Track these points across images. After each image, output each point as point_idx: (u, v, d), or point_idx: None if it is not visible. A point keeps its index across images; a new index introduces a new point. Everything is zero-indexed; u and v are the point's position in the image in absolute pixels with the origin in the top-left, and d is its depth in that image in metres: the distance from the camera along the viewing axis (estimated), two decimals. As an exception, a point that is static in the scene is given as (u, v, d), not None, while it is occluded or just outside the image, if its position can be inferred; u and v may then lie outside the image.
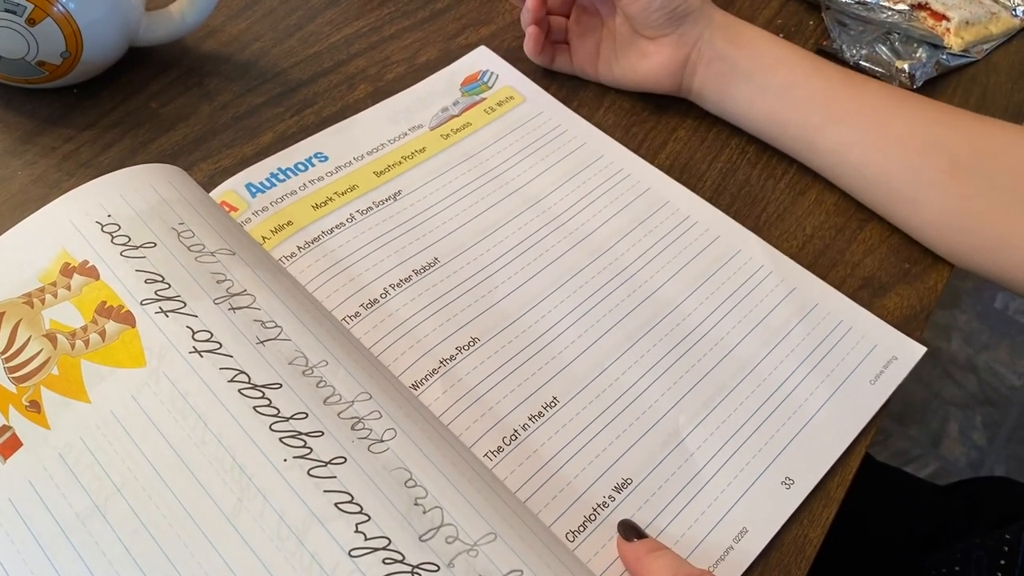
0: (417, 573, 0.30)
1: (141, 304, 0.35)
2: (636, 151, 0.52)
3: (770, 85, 0.50)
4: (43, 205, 0.45)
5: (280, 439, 0.32)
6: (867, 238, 0.50)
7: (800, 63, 0.50)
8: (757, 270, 0.47)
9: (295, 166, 0.47)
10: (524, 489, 0.37)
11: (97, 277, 0.36)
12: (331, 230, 0.45)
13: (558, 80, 0.55)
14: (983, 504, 0.62)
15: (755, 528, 0.38)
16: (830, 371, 0.43)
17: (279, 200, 0.45)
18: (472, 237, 0.46)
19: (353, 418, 0.33)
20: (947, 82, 0.60)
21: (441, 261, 0.44)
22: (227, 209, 0.44)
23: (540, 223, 0.47)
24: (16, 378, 0.35)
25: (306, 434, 0.32)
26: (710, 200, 0.50)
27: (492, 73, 0.55)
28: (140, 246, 0.37)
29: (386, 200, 0.47)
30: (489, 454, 0.38)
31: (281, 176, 0.47)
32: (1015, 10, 0.64)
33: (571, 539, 0.36)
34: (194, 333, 0.35)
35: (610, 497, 0.38)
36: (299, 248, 0.44)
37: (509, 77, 0.55)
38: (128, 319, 0.35)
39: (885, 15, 0.61)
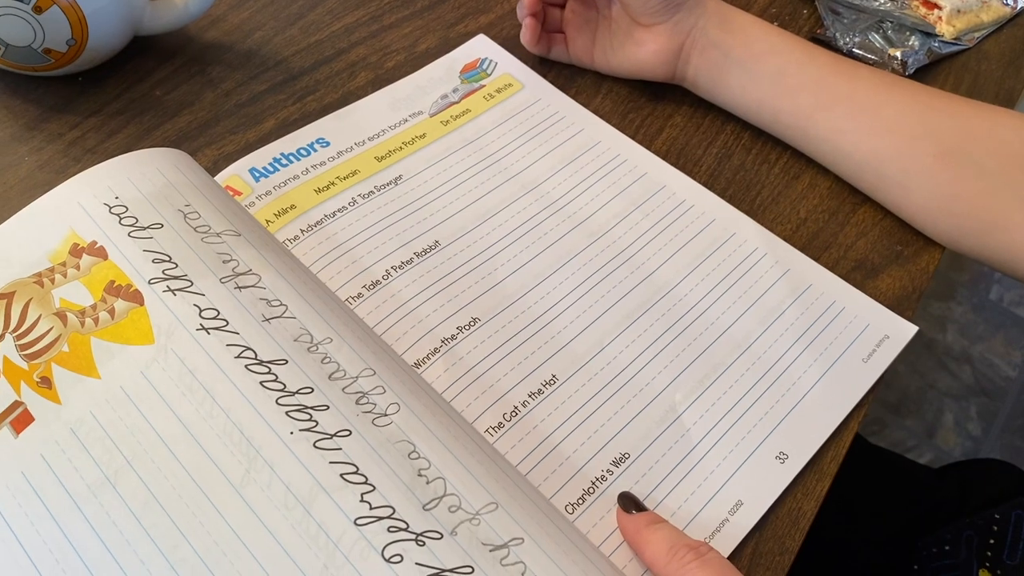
0: (421, 541, 0.31)
1: (149, 283, 0.36)
2: (633, 137, 0.52)
3: (763, 73, 0.51)
4: (50, 190, 0.46)
5: (286, 413, 0.33)
6: (860, 221, 0.51)
7: (792, 51, 0.51)
8: (752, 252, 0.48)
9: (297, 151, 0.48)
10: (524, 463, 0.38)
11: (105, 257, 0.37)
12: (333, 214, 0.45)
13: (556, 67, 0.56)
14: (974, 485, 0.63)
15: (750, 501, 0.39)
16: (823, 349, 0.44)
17: (282, 184, 0.46)
18: (472, 221, 0.47)
19: (357, 393, 0.34)
20: (939, 69, 0.60)
21: (442, 244, 0.45)
22: (231, 193, 0.45)
23: (539, 207, 0.48)
24: (28, 355, 0.35)
25: (312, 408, 0.33)
26: (706, 185, 0.50)
27: (491, 61, 0.55)
28: (147, 227, 0.38)
29: (387, 184, 0.48)
30: (490, 430, 0.39)
31: (284, 161, 0.47)
32: (1006, -1, 0.65)
33: (570, 511, 0.37)
34: (201, 311, 0.35)
35: (608, 471, 0.39)
36: (302, 231, 0.44)
37: (508, 64, 0.55)
38: (136, 297, 0.36)
39: (878, 3, 0.62)
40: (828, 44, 0.60)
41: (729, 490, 0.39)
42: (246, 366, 0.34)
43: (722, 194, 0.50)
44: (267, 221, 0.44)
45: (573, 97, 0.54)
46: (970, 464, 0.66)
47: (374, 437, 0.33)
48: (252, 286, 0.36)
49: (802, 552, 0.39)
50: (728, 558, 0.36)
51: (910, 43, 0.60)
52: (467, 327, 0.42)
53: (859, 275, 0.48)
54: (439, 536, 0.31)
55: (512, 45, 0.56)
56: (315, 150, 0.48)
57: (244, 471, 0.32)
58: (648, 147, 0.52)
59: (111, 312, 0.36)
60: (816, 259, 0.48)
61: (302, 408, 0.33)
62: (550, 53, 0.56)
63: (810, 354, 0.44)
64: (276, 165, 0.47)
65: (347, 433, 0.33)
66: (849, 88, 0.49)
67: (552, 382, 0.41)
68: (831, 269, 0.48)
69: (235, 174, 0.46)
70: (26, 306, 0.36)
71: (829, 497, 0.40)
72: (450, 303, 0.43)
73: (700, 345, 0.43)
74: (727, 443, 0.40)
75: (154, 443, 0.33)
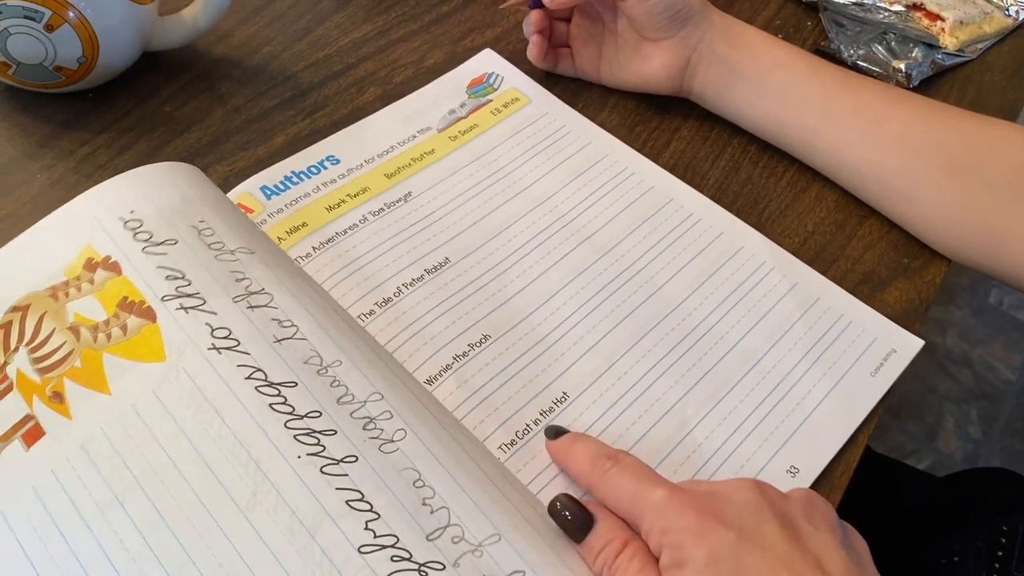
0: (423, 571, 0.31)
1: (162, 300, 0.36)
2: (640, 150, 0.53)
3: (768, 87, 0.51)
4: (66, 203, 0.46)
5: (295, 436, 0.33)
6: (867, 234, 0.51)
7: (798, 65, 0.51)
8: (760, 266, 0.48)
9: (308, 169, 0.48)
10: (536, 482, 0.38)
11: (120, 272, 0.37)
12: (345, 231, 0.46)
13: (563, 82, 0.57)
14: (980, 495, 0.63)
15: (761, 516, 0.39)
16: (832, 364, 0.44)
17: (293, 202, 0.46)
18: (481, 237, 0.47)
19: (365, 418, 0.34)
20: (943, 81, 0.61)
21: (452, 260, 0.45)
22: (243, 211, 0.45)
23: (547, 222, 0.48)
24: (40, 369, 0.36)
25: (320, 432, 0.34)
26: (713, 198, 0.51)
27: (498, 75, 0.56)
28: (162, 243, 0.38)
29: (397, 202, 0.48)
30: (503, 447, 0.39)
31: (295, 179, 0.48)
32: (1008, 10, 0.66)
33: (584, 528, 0.38)
34: (213, 330, 0.36)
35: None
36: (314, 248, 0.45)
37: (514, 79, 0.56)
38: (149, 314, 0.36)
39: (882, 16, 0.62)
40: (832, 56, 0.61)
41: (740, 505, 0.39)
42: (256, 388, 0.34)
43: (729, 207, 0.51)
44: (279, 239, 0.45)
45: (580, 111, 0.55)
46: (974, 473, 0.66)
47: (380, 464, 0.33)
48: (264, 306, 0.37)
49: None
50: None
51: (914, 55, 0.60)
52: (478, 344, 0.42)
53: (866, 288, 0.48)
54: (441, 567, 0.31)
55: (519, 59, 0.57)
56: (325, 167, 0.49)
57: (251, 494, 0.32)
58: (655, 160, 0.52)
59: (124, 328, 0.36)
60: (823, 272, 0.48)
61: (310, 432, 0.33)
62: (557, 68, 0.56)
63: (819, 368, 0.44)
64: (287, 183, 0.47)
65: (354, 459, 0.33)
66: (855, 102, 0.50)
67: (563, 400, 0.41)
68: (838, 282, 0.48)
69: (247, 191, 0.47)
70: (40, 319, 0.37)
71: (839, 509, 0.41)
72: (461, 320, 0.43)
73: (709, 360, 0.44)
74: (738, 458, 0.41)
75: (163, 462, 0.33)
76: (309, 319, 0.37)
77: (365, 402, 0.35)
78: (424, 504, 0.33)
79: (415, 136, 0.51)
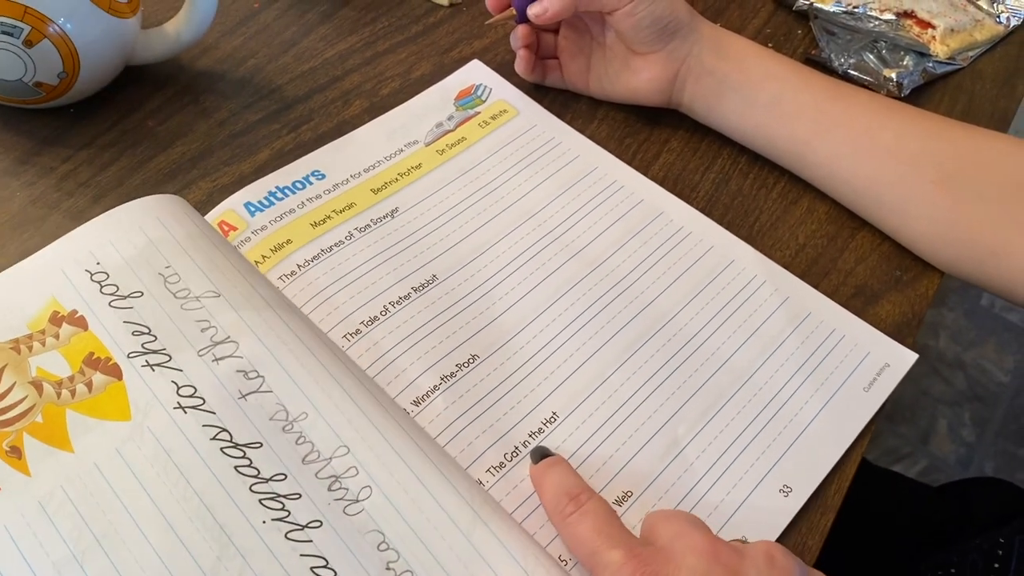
0: None
1: (128, 357, 0.36)
2: (630, 163, 0.52)
3: (758, 99, 0.51)
4: (43, 225, 0.46)
5: (260, 500, 0.33)
6: (859, 246, 0.50)
7: (789, 76, 0.50)
8: (751, 280, 0.47)
9: (293, 184, 0.48)
10: (525, 506, 0.38)
11: (86, 328, 0.37)
12: (330, 248, 0.45)
13: (551, 93, 0.56)
14: (975, 505, 0.63)
15: (754, 536, 0.38)
16: (824, 379, 0.44)
17: (278, 218, 0.46)
18: (469, 253, 0.46)
19: (330, 477, 0.34)
20: (934, 89, 0.60)
21: (440, 278, 0.45)
22: (226, 229, 0.45)
23: (536, 236, 0.48)
24: None
25: (285, 496, 0.33)
26: (703, 211, 0.50)
27: (485, 87, 0.55)
28: (128, 296, 0.38)
29: (384, 217, 0.47)
30: (491, 470, 0.38)
31: (280, 194, 0.47)
32: (999, 17, 0.65)
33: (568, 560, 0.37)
34: (179, 388, 0.35)
35: (606, 501, 0.38)
36: (299, 267, 0.44)
37: (502, 91, 0.55)
38: (115, 371, 0.36)
39: (872, 24, 0.62)
40: (823, 65, 0.60)
41: (733, 525, 0.39)
42: (221, 449, 0.34)
43: (720, 220, 0.50)
44: (263, 256, 0.44)
45: (569, 123, 0.54)
46: (970, 483, 0.66)
47: (345, 528, 0.33)
48: (230, 356, 0.36)
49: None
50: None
51: (905, 63, 0.60)
52: (466, 364, 0.42)
53: (859, 302, 0.48)
54: None
55: (507, 71, 0.56)
56: (311, 183, 0.48)
57: (216, 558, 0.32)
58: (645, 173, 0.52)
59: (88, 385, 0.35)
60: (815, 286, 0.48)
61: (275, 496, 0.33)
62: (545, 80, 0.56)
63: (811, 384, 0.44)
64: (272, 199, 0.47)
65: (319, 524, 0.33)
66: (846, 114, 0.49)
67: (553, 419, 0.40)
68: (831, 296, 0.47)
69: (230, 208, 0.46)
70: (0, 372, 0.36)
71: (832, 530, 0.40)
72: (449, 339, 0.42)
73: (701, 377, 0.43)
74: (731, 477, 0.40)
75: (125, 523, 0.32)
76: (276, 367, 0.37)
77: (331, 459, 0.35)
78: (388, 568, 0.32)
79: (402, 150, 0.51)
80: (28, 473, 0.33)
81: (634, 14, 0.49)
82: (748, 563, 0.32)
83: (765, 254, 0.49)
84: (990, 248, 0.46)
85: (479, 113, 0.54)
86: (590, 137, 0.53)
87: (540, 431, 0.40)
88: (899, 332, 0.47)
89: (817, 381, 0.44)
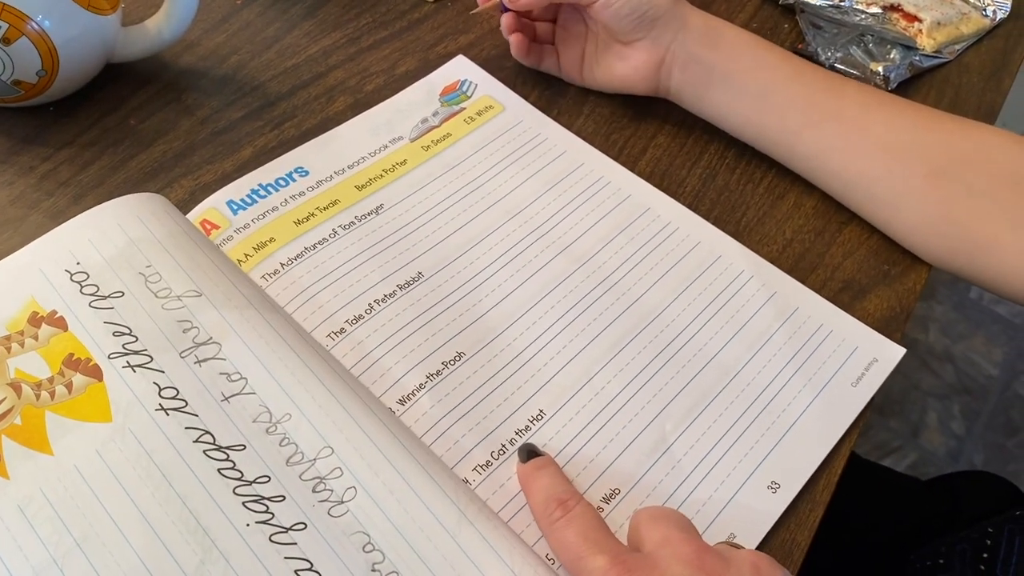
0: None
1: (109, 358, 0.36)
2: (616, 158, 0.52)
3: (748, 90, 0.50)
4: (22, 225, 0.45)
5: (243, 503, 0.33)
6: (846, 241, 0.50)
7: (780, 67, 0.50)
8: (738, 275, 0.47)
9: (276, 181, 0.47)
10: (512, 504, 0.37)
11: (65, 328, 0.36)
12: (314, 246, 0.45)
13: (537, 88, 0.56)
14: (964, 499, 0.63)
15: (742, 533, 0.38)
16: (812, 374, 0.44)
17: (261, 216, 0.45)
18: (455, 250, 0.46)
19: (315, 478, 0.34)
20: (921, 83, 0.60)
21: (425, 275, 0.44)
22: (208, 227, 0.44)
23: (522, 233, 0.47)
24: None
25: (268, 499, 0.33)
26: (690, 206, 0.50)
27: (471, 82, 0.55)
28: (108, 296, 0.37)
29: (368, 214, 0.47)
30: (478, 468, 0.38)
31: (262, 192, 0.47)
32: (985, 10, 0.65)
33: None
34: (160, 390, 0.35)
35: (599, 508, 0.38)
36: (282, 265, 0.43)
37: (488, 86, 0.55)
38: (95, 373, 0.35)
39: (859, 18, 0.61)
40: (809, 59, 0.60)
41: (721, 522, 0.39)
42: (204, 451, 0.34)
43: (707, 216, 0.50)
44: (246, 255, 0.43)
45: (555, 118, 0.54)
46: (959, 476, 0.66)
47: (329, 530, 0.33)
48: (212, 358, 0.36)
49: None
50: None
51: (891, 57, 0.60)
52: (452, 362, 0.41)
53: (846, 296, 0.48)
54: None
55: (492, 66, 0.56)
56: (294, 180, 0.48)
57: (199, 561, 0.31)
58: (631, 168, 0.51)
59: (68, 386, 0.35)
60: (803, 281, 0.48)
61: (259, 499, 0.33)
62: (541, 65, 0.56)
63: (799, 380, 0.43)
64: (254, 196, 0.46)
65: (303, 526, 0.33)
66: (837, 106, 0.49)
67: (539, 417, 0.40)
68: (818, 291, 0.47)
69: (212, 207, 0.45)
70: None
71: (821, 526, 0.40)
72: (434, 337, 0.42)
73: (688, 373, 0.43)
74: (718, 474, 0.40)
75: (106, 526, 0.32)
76: (259, 368, 0.36)
77: (315, 460, 0.34)
78: (374, 570, 0.32)
79: (387, 146, 0.50)
80: (7, 476, 0.33)
81: (610, 5, 0.49)
82: (734, 571, 0.31)
83: (752, 249, 0.48)
84: (980, 242, 0.45)
85: (464, 109, 0.53)
86: (576, 133, 0.53)
87: (527, 429, 0.40)
88: (887, 327, 0.46)
89: (805, 377, 0.43)
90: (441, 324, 0.43)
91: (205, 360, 0.36)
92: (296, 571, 0.32)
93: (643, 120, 0.55)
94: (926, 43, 0.61)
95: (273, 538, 0.32)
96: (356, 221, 0.46)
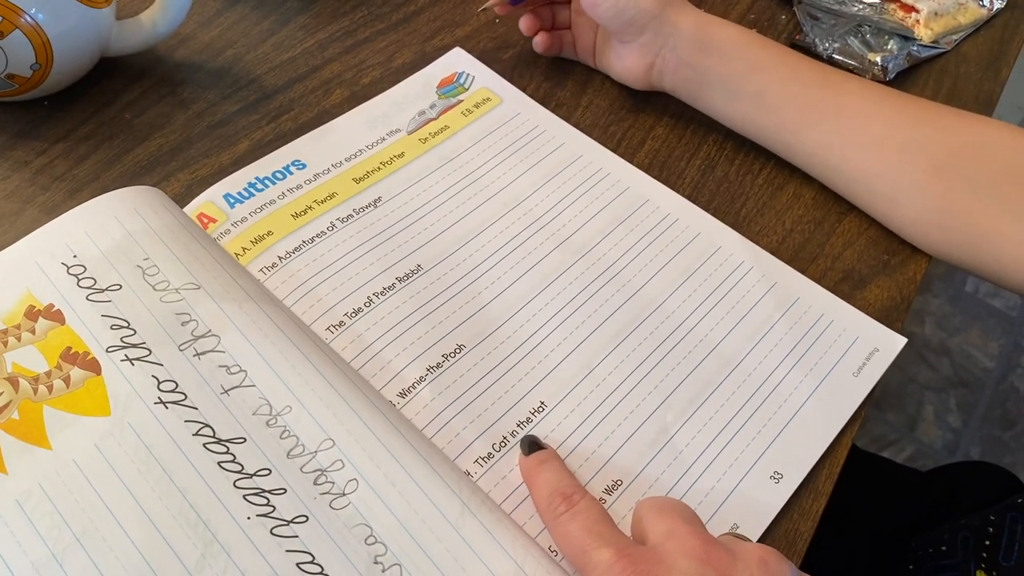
0: None
1: (107, 351, 0.35)
2: (615, 150, 0.52)
3: (744, 91, 0.50)
4: (18, 220, 0.45)
5: (244, 496, 0.33)
6: (846, 231, 0.50)
7: (775, 66, 0.50)
8: (738, 266, 0.47)
9: (273, 175, 0.47)
10: (514, 496, 0.37)
11: (63, 322, 0.36)
12: (312, 239, 0.44)
13: (535, 81, 0.55)
14: (963, 488, 0.63)
15: (746, 523, 0.38)
16: (813, 364, 0.44)
17: (258, 210, 0.45)
18: (454, 242, 0.46)
19: (316, 471, 0.34)
20: (918, 73, 0.60)
21: (424, 268, 0.44)
22: (206, 221, 0.44)
23: (522, 225, 0.47)
24: None
25: (269, 492, 0.33)
26: (690, 197, 0.50)
27: (468, 75, 0.54)
28: (106, 289, 0.37)
29: (366, 207, 0.46)
30: (479, 460, 0.38)
31: (259, 185, 0.46)
32: (982, 0, 0.65)
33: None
34: (159, 383, 0.35)
35: (601, 500, 0.38)
36: (280, 259, 0.43)
37: (485, 78, 0.54)
38: (94, 366, 0.35)
39: (856, 8, 0.61)
40: (807, 50, 0.60)
41: (725, 512, 0.38)
42: (204, 444, 0.33)
43: (706, 207, 0.50)
44: (244, 249, 0.43)
45: (553, 110, 0.53)
46: (958, 467, 0.66)
47: (331, 522, 0.32)
48: (211, 351, 0.36)
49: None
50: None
51: (889, 47, 0.59)
52: (453, 354, 0.41)
53: (847, 286, 0.47)
54: None
55: (489, 58, 0.55)
56: (291, 173, 0.47)
57: (200, 555, 0.31)
58: (630, 160, 0.51)
59: (66, 380, 0.35)
60: (803, 271, 0.47)
61: (260, 492, 0.33)
62: (561, 53, 0.57)
63: (800, 370, 0.43)
64: (251, 190, 0.46)
65: (304, 519, 0.32)
66: (836, 103, 0.49)
67: (541, 409, 0.40)
68: (818, 281, 0.47)
69: (209, 200, 0.45)
70: None
71: (824, 515, 0.40)
72: (434, 329, 0.42)
73: (689, 364, 0.43)
74: (721, 464, 0.40)
75: (106, 520, 0.32)
76: (258, 360, 0.36)
77: (316, 452, 0.34)
78: (376, 563, 0.32)
79: (384, 139, 0.50)
80: (5, 471, 0.33)
81: (596, 5, 0.50)
82: (740, 566, 0.31)
83: (752, 240, 0.48)
84: (982, 235, 0.45)
85: (462, 101, 0.53)
86: (575, 125, 0.53)
87: (528, 421, 0.39)
88: (888, 316, 0.46)
89: (806, 367, 0.43)
90: (441, 317, 0.42)
91: (204, 353, 0.35)
92: (298, 564, 0.31)
93: (641, 111, 0.55)
94: (923, 33, 0.61)
95: (274, 531, 0.32)
96: (354, 214, 0.46)
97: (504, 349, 0.42)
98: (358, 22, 0.58)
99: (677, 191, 0.50)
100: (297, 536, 0.32)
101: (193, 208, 0.45)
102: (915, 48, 0.60)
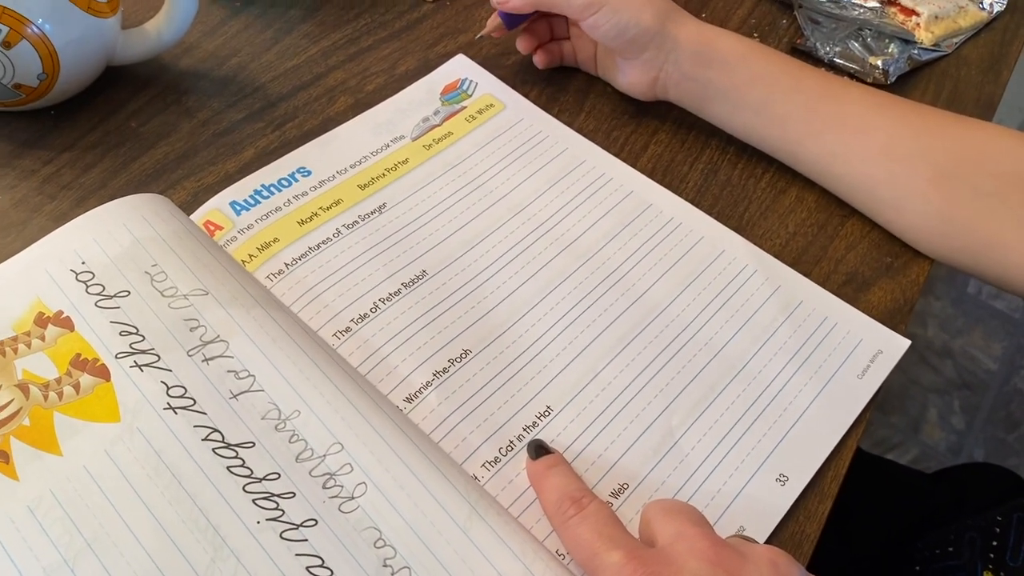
0: None
1: (116, 357, 0.36)
2: (618, 155, 0.52)
3: (747, 103, 0.50)
4: (25, 229, 0.45)
5: (253, 500, 0.33)
6: (848, 234, 0.50)
7: (778, 78, 0.50)
8: (742, 269, 0.47)
9: (279, 182, 0.47)
10: (521, 500, 0.37)
11: (72, 328, 0.36)
12: (318, 246, 0.45)
13: (538, 86, 0.56)
14: (968, 489, 0.63)
15: (752, 526, 0.38)
16: (818, 367, 0.44)
17: (264, 217, 0.45)
18: (459, 248, 0.46)
19: (325, 475, 0.34)
20: (919, 76, 0.60)
21: (429, 273, 0.44)
22: (212, 228, 0.44)
23: (526, 230, 0.47)
24: None
25: (279, 495, 0.33)
26: (693, 201, 0.50)
27: (471, 81, 0.55)
28: (114, 295, 0.37)
29: (371, 213, 0.47)
30: (486, 465, 0.38)
31: (265, 192, 0.46)
32: (982, 3, 0.65)
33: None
34: (168, 388, 0.35)
35: (607, 503, 0.38)
36: (286, 265, 0.43)
37: (488, 84, 0.55)
38: (103, 373, 0.35)
39: (857, 12, 0.61)
40: (808, 54, 0.60)
41: (731, 515, 0.39)
42: (213, 449, 0.34)
43: (709, 211, 0.50)
44: (250, 256, 0.43)
45: (556, 116, 0.54)
46: (963, 468, 0.66)
47: (340, 526, 0.33)
48: (220, 356, 0.36)
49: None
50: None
51: (890, 51, 0.60)
52: (459, 359, 0.41)
53: (850, 289, 0.48)
54: None
55: (493, 65, 0.56)
56: (296, 180, 0.48)
57: (210, 560, 0.31)
58: (633, 165, 0.52)
59: (76, 387, 0.35)
60: (807, 274, 0.48)
61: (269, 496, 0.33)
62: (562, 62, 0.57)
63: (805, 372, 0.43)
64: (257, 197, 0.46)
65: (313, 523, 0.33)
66: (839, 113, 0.49)
67: (547, 413, 0.40)
68: (822, 284, 0.47)
69: (215, 208, 0.45)
70: None
71: (829, 518, 0.40)
72: (440, 335, 0.42)
73: (694, 367, 0.43)
74: (727, 467, 0.40)
75: (117, 526, 0.32)
76: (266, 365, 0.36)
77: (325, 456, 0.34)
78: (385, 566, 0.32)
79: (388, 145, 0.50)
80: (16, 477, 0.33)
81: (597, 27, 0.50)
82: (750, 568, 0.31)
83: (755, 243, 0.49)
84: (986, 241, 0.46)
85: (465, 108, 0.53)
86: (577, 130, 0.53)
87: (534, 425, 0.40)
88: (891, 318, 0.47)
89: (811, 369, 0.44)
90: (447, 322, 0.43)
91: (212, 358, 0.36)
92: (308, 568, 0.31)
93: (644, 117, 0.55)
94: (924, 37, 0.61)
95: (284, 535, 0.32)
96: (359, 220, 0.46)
97: (510, 353, 0.42)
98: (361, 30, 0.58)
99: (680, 195, 0.50)
100: (306, 540, 0.32)
101: (199, 216, 0.45)
102: (916, 51, 0.60)
